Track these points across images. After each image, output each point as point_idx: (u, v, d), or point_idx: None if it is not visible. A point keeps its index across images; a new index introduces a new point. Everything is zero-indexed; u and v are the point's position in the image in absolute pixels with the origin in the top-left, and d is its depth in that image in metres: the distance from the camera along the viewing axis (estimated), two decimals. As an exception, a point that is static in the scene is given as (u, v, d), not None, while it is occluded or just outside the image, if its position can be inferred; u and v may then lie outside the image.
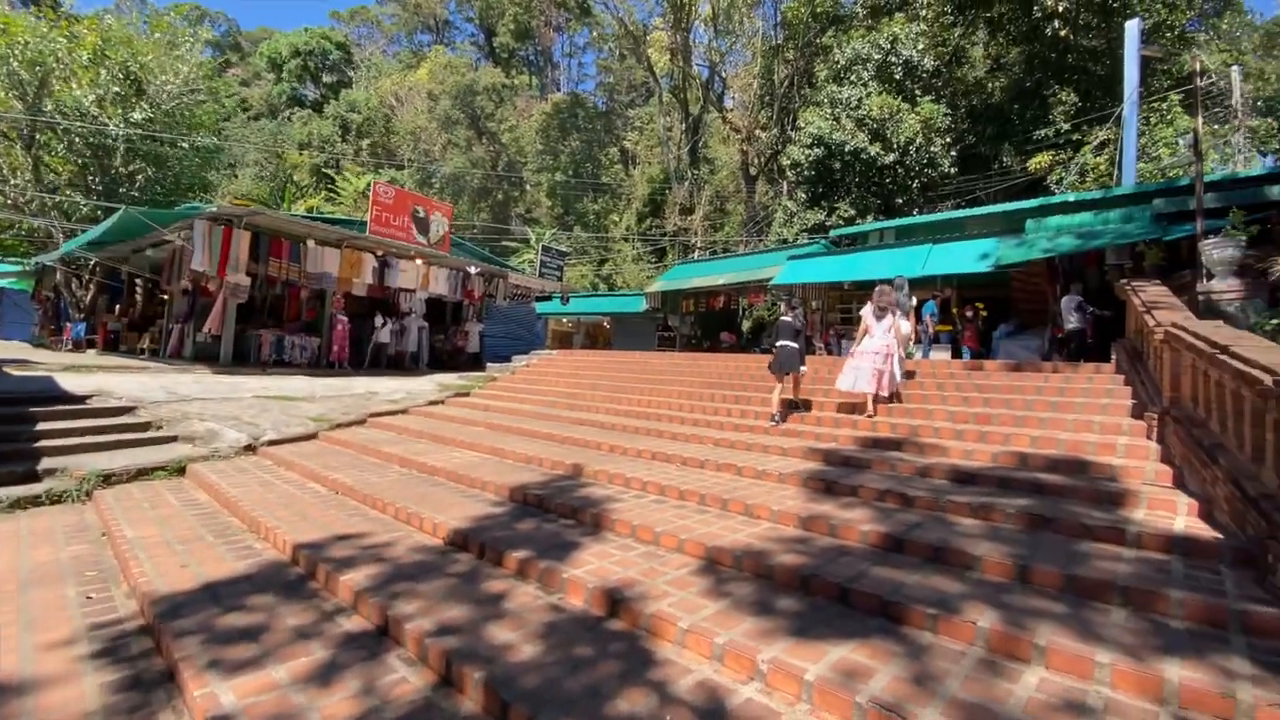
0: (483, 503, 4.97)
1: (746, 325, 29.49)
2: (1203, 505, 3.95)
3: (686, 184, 32.44)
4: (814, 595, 3.16)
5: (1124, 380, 6.96)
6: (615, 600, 3.05)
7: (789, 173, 23.21)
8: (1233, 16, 19.13)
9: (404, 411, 9.82)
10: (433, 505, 4.83)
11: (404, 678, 2.64)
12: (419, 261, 14.79)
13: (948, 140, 21.93)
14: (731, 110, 32.09)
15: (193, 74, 21.78)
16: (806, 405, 7.89)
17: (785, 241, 22.53)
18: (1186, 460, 4.55)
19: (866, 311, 7.55)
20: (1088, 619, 2.71)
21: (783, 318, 7.91)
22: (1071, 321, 12.38)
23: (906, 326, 8.12)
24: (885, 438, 6.33)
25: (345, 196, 35.83)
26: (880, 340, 7.17)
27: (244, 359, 14.15)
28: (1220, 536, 3.42)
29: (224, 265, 12.56)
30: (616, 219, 38.79)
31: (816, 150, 20.83)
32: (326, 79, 57.94)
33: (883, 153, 20.53)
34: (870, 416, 6.87)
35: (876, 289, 7.68)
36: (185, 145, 21.35)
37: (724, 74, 34.80)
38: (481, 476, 5.53)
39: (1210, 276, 6.70)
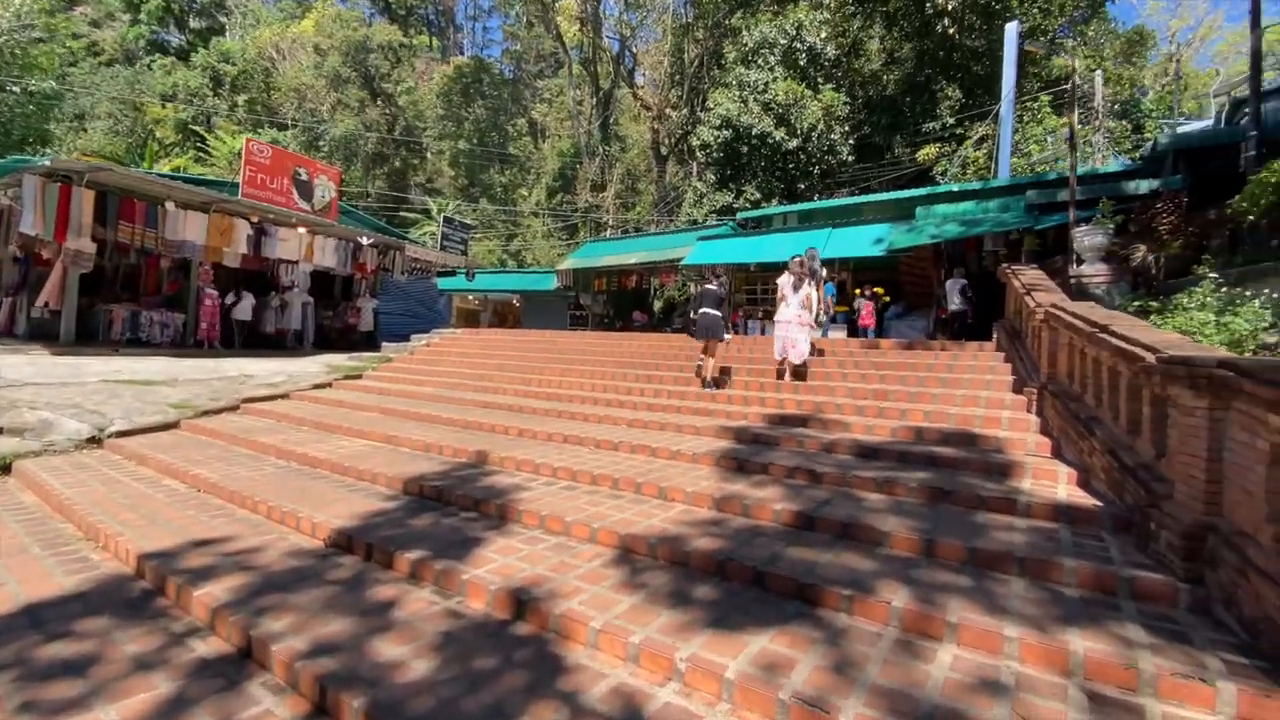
0: (373, 497, 4.51)
1: (658, 305, 29.64)
2: (1081, 474, 4.23)
3: (598, 160, 31.83)
4: (730, 580, 3.05)
5: (1004, 358, 7.48)
6: (521, 601, 2.78)
7: (699, 154, 23.31)
8: (1099, 24, 21.05)
9: (284, 396, 8.91)
10: (313, 501, 4.31)
11: (268, 710, 2.25)
12: (302, 230, 13.46)
13: (846, 129, 22.83)
14: (643, 87, 31.75)
15: (26, 7, 18.55)
16: (725, 375, 8.02)
17: (695, 222, 22.70)
18: (1064, 432, 4.88)
19: (783, 281, 7.86)
20: (992, 591, 2.77)
21: (707, 286, 7.99)
22: (955, 303, 13.29)
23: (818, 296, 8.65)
24: (793, 414, 6.42)
25: (218, 157, 32.20)
26: (795, 309, 7.55)
27: (91, 337, 12.36)
28: (1100, 504, 3.65)
29: (63, 229, 10.80)
30: (526, 193, 37.53)
31: (725, 132, 21.01)
32: (194, 24, 51.44)
33: (787, 138, 21.04)
34: (782, 378, 7.33)
35: (792, 259, 7.99)
36: (16, 90, 18.21)
37: (634, 49, 34.33)
38: (372, 468, 5.03)
39: (1080, 261, 7.33)
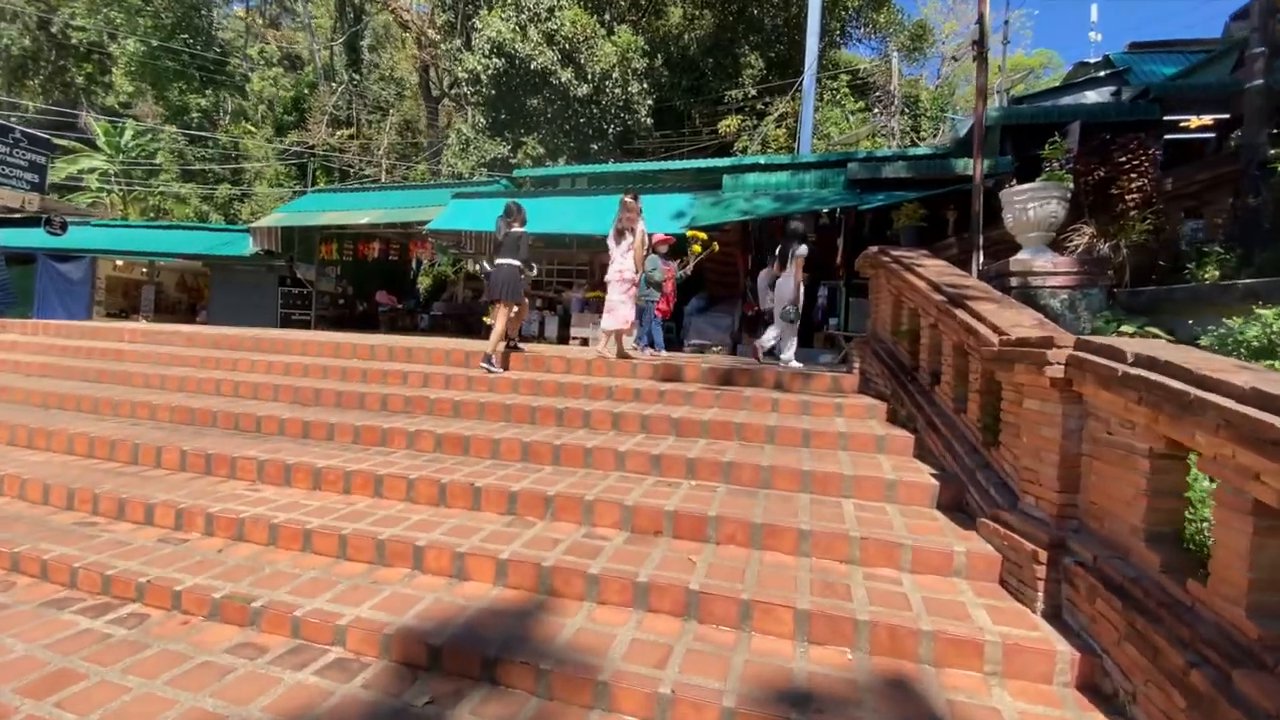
0: None
1: (425, 284, 23.96)
2: None
3: (342, 88, 24.54)
4: None
5: (886, 413, 4.25)
6: None
7: (466, 89, 18.27)
8: (888, 13, 20.40)
9: None
10: None
11: None
12: None
13: (645, 86, 19.61)
14: (406, 6, 25.12)
15: None
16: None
17: (461, 177, 17.73)
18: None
19: (610, 236, 6.64)
20: None
21: (509, 229, 6.12)
22: (767, 301, 10.55)
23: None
24: (483, 616, 2.37)
25: None
26: (618, 264, 6.36)
27: None
28: None
29: None
30: (252, 128, 28.45)
31: (497, 61, 16.31)
32: None
33: (575, 81, 17.03)
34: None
35: (625, 193, 6.59)
36: None
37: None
38: None
39: (1013, 247, 4.40)
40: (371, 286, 18.95)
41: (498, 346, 5.64)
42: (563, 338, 13.03)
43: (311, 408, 4.78)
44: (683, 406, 4.54)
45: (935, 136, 21.44)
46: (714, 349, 11.73)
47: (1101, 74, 15.90)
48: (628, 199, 6.37)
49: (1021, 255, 4.21)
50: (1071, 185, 4.17)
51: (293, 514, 3.18)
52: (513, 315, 5.93)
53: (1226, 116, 9.31)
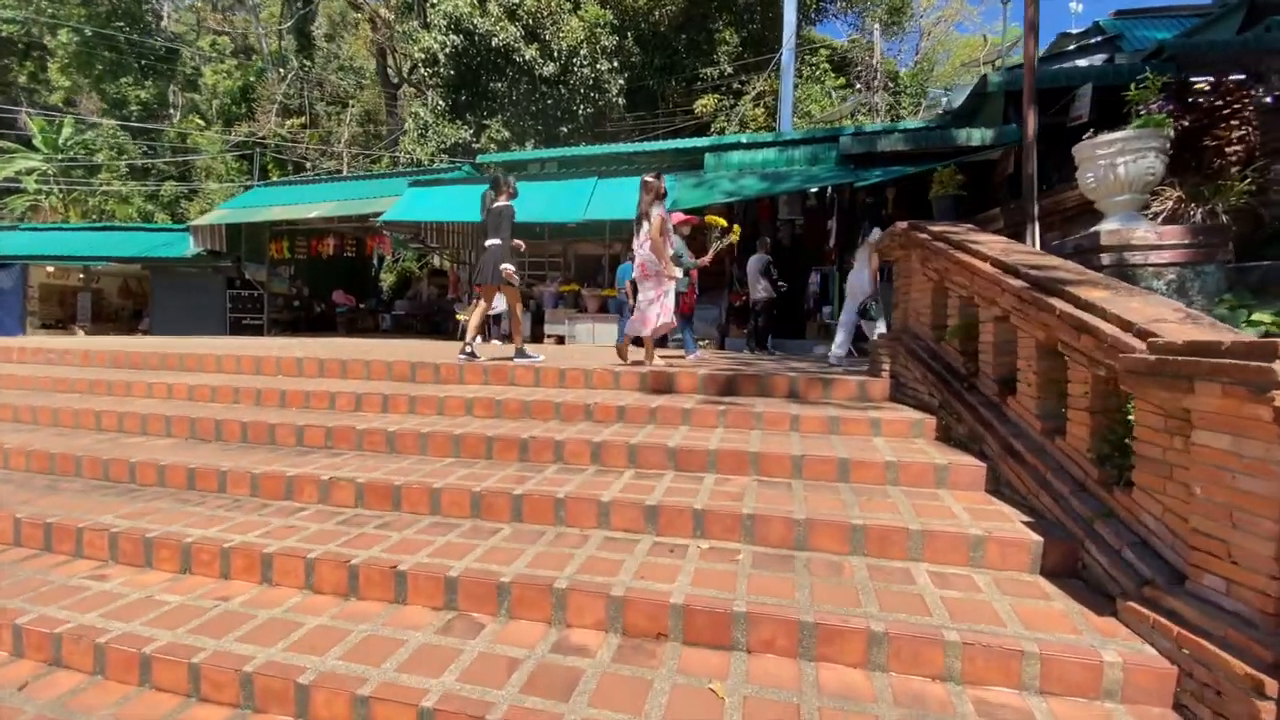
0: None
1: (389, 281, 22.69)
2: None
3: (292, 74, 22.96)
4: None
5: (936, 430, 3.40)
6: None
7: (424, 70, 16.99)
8: (864, -14, 19.56)
9: None
10: None
11: None
12: None
13: (615, 64, 18.54)
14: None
15: None
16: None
17: (420, 164, 16.51)
18: None
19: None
20: None
21: (491, 205, 5.55)
22: (759, 290, 9.74)
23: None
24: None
25: None
26: (638, 257, 5.33)
27: None
28: None
29: None
30: (203, 122, 26.67)
31: (455, 38, 15.10)
32: None
33: (540, 59, 15.90)
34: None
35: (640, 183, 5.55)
36: None
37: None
38: None
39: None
40: (329, 286, 17.72)
41: (472, 331, 5.58)
42: (536, 336, 12.06)
43: (208, 445, 3.77)
44: (680, 428, 3.63)
45: (917, 114, 20.75)
46: (701, 343, 10.86)
47: (1093, 40, 15.25)
48: (648, 178, 5.41)
49: (1110, 224, 3.35)
50: (1171, 133, 3.33)
51: (135, 621, 2.22)
52: (488, 305, 5.87)
53: (1243, 76, 8.66)
